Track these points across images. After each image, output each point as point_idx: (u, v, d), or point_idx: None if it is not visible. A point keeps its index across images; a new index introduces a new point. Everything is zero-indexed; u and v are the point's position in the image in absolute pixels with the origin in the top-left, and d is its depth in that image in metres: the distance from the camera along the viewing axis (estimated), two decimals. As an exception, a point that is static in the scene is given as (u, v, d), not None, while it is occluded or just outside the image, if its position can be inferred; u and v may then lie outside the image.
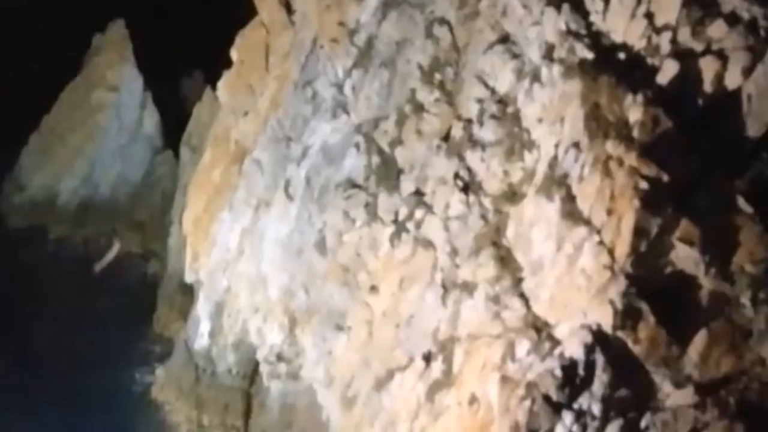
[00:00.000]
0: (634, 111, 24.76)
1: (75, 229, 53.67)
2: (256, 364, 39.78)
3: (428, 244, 31.19)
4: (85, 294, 46.20)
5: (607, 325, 23.29)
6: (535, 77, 28.98)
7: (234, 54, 42.89)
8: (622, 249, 23.60)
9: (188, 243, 43.88)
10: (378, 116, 34.81)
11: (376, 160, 34.51)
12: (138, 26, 55.05)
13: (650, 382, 22.80)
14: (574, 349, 23.65)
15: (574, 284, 24.57)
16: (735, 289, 22.99)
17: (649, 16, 26.56)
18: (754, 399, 22.00)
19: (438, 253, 30.68)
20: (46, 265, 50.51)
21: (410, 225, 32.15)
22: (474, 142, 30.76)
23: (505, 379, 24.95)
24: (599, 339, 23.35)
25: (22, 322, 45.20)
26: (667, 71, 25.72)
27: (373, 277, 33.39)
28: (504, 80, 30.42)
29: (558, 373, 23.50)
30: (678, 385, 22.43)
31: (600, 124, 25.23)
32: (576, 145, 25.67)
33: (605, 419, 22.51)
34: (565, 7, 28.27)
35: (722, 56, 25.38)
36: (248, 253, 39.72)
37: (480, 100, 31.01)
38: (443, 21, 33.16)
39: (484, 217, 29.48)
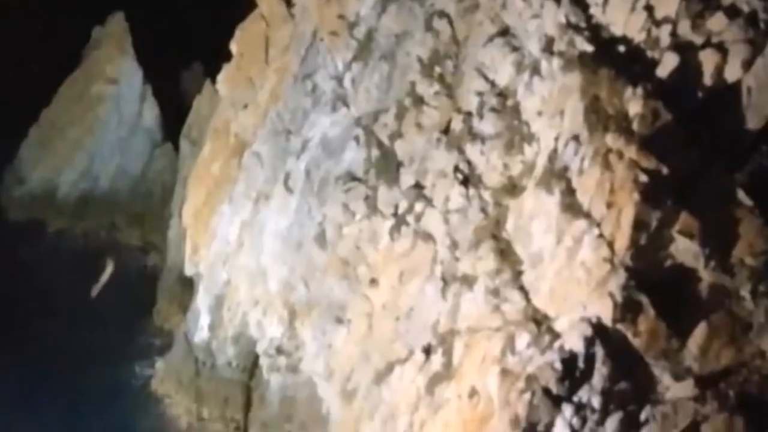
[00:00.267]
0: (634, 104, 24.76)
1: (75, 222, 53.74)
2: (256, 357, 39.79)
3: (428, 237, 31.20)
4: (85, 287, 46.13)
5: (607, 318, 23.30)
6: (535, 70, 28.99)
7: (234, 47, 42.89)
8: (622, 242, 23.60)
9: (188, 236, 43.89)
10: (378, 109, 34.82)
11: (375, 153, 34.51)
12: (137, 19, 55.06)
13: (650, 375, 22.82)
14: (574, 342, 23.66)
15: (573, 277, 24.57)
16: (735, 281, 23.00)
17: (649, 8, 26.57)
18: (754, 391, 22.01)
19: (438, 246, 30.70)
20: (45, 258, 50.53)
21: (410, 218, 32.17)
22: (474, 135, 30.77)
23: (505, 372, 24.96)
24: (599, 332, 23.36)
25: (22, 315, 45.14)
26: (667, 64, 25.72)
27: (373, 270, 33.41)
28: (504, 73, 30.43)
29: (558, 366, 23.52)
30: (678, 377, 22.45)
31: (600, 117, 25.23)
32: (576, 138, 25.67)
33: (605, 412, 22.53)
34: (565, -1, 28.32)
35: (722, 49, 25.38)
36: (248, 246, 39.72)
37: (480, 93, 31.01)
38: (443, 14, 33.16)
39: (483, 210, 29.49)
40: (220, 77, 43.66)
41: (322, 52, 37.40)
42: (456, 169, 30.87)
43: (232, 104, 42.78)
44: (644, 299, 23.13)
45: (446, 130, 32.16)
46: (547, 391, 23.39)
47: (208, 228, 42.21)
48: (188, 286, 44.69)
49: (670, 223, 23.45)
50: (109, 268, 41.33)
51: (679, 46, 25.83)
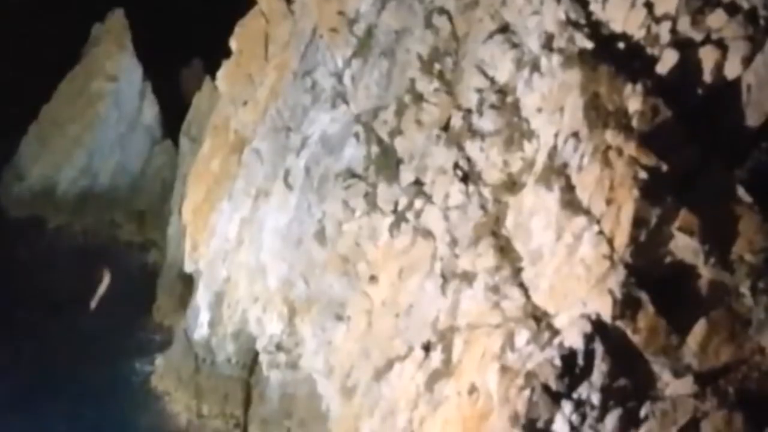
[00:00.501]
0: (634, 101, 24.76)
1: (74, 218, 53.81)
2: (256, 354, 39.77)
3: (428, 234, 31.20)
4: (85, 283, 46.14)
5: (607, 315, 23.30)
6: (535, 67, 28.98)
7: (233, 43, 42.86)
8: (622, 239, 23.60)
9: (188, 233, 43.88)
10: (377, 106, 34.81)
11: (375, 149, 34.51)
12: (137, 16, 55.07)
13: (649, 372, 22.82)
14: (573, 338, 23.66)
15: (573, 274, 24.57)
16: (734, 278, 23.00)
17: (649, 5, 26.57)
18: (753, 388, 22.03)
19: (437, 243, 30.69)
20: (45, 255, 50.55)
21: (410, 215, 32.16)
22: (473, 132, 30.76)
23: (504, 369, 24.97)
24: (598, 328, 23.36)
25: (22, 312, 45.17)
26: (667, 61, 25.72)
27: (373, 266, 33.41)
28: (503, 70, 30.42)
29: (557, 362, 23.52)
30: (677, 374, 22.45)
31: (599, 113, 25.22)
32: (575, 134, 25.68)
33: (604, 408, 22.54)
34: (565, -4, 28.32)
35: (722, 46, 25.39)
36: (247, 243, 39.72)
37: (479, 90, 31.01)
38: (443, 10, 33.16)
39: (483, 206, 29.49)
40: (219, 74, 43.62)
41: (322, 48, 37.38)
42: (456, 165, 30.86)
43: (231, 101, 42.75)
44: (644, 296, 23.12)
45: (446, 127, 32.15)
46: (546, 388, 23.39)
47: (207, 225, 42.20)
48: (188, 282, 44.69)
49: (669, 219, 23.45)
50: (106, 279, 41.34)
51: (679, 42, 25.83)
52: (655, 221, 23.49)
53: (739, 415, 21.47)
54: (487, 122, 30.31)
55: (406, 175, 32.96)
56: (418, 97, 33.28)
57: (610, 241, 23.82)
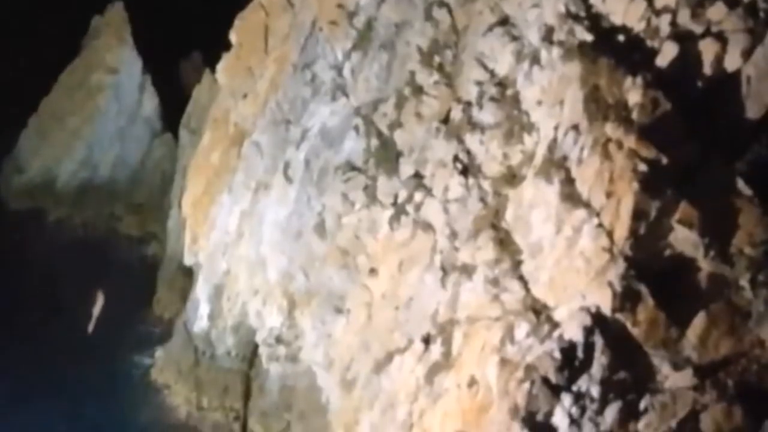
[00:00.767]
0: (634, 93, 24.73)
1: (74, 211, 53.85)
2: (256, 347, 39.81)
3: (427, 227, 31.19)
4: (85, 276, 46.14)
5: (606, 308, 23.29)
6: (535, 59, 28.95)
7: (233, 36, 42.84)
8: (621, 231, 23.59)
9: (187, 225, 43.90)
10: (377, 99, 34.80)
11: (375, 142, 34.50)
12: (137, 9, 55.05)
13: (649, 365, 22.82)
14: (573, 331, 23.66)
15: (573, 267, 24.57)
16: (734, 271, 22.99)
17: (649, -2, 26.55)
18: (753, 381, 22.03)
19: (437, 236, 30.69)
20: (45, 248, 50.57)
21: (409, 208, 32.16)
22: (473, 125, 30.75)
23: (504, 362, 24.97)
24: (598, 321, 23.36)
25: (22, 304, 45.19)
26: (667, 53, 25.69)
27: (373, 259, 33.41)
28: (503, 62, 30.40)
29: (557, 355, 23.53)
30: (677, 367, 22.45)
31: (599, 106, 25.20)
32: (575, 127, 25.65)
33: (604, 401, 22.55)
34: (565, -12, 28.28)
35: (722, 38, 25.35)
36: (247, 236, 39.73)
37: (479, 83, 30.99)
38: (442, 3, 33.14)
39: (483, 199, 29.47)
40: (219, 67, 43.62)
41: (322, 41, 37.36)
42: (455, 158, 30.85)
43: (231, 94, 42.75)
44: (643, 289, 23.12)
45: (446, 120, 32.14)
46: (546, 381, 23.40)
47: (207, 218, 42.21)
48: (188, 275, 44.72)
49: (669, 212, 23.43)
50: (100, 302, 41.42)
51: (679, 35, 25.79)
52: (655, 214, 23.47)
53: (739, 407, 21.47)
54: (487, 115, 30.29)
55: (406, 168, 32.95)
56: (418, 90, 33.27)
57: (610, 234, 23.81)
